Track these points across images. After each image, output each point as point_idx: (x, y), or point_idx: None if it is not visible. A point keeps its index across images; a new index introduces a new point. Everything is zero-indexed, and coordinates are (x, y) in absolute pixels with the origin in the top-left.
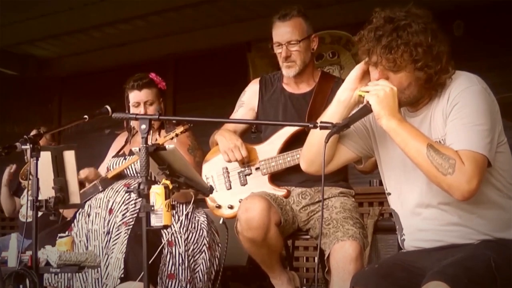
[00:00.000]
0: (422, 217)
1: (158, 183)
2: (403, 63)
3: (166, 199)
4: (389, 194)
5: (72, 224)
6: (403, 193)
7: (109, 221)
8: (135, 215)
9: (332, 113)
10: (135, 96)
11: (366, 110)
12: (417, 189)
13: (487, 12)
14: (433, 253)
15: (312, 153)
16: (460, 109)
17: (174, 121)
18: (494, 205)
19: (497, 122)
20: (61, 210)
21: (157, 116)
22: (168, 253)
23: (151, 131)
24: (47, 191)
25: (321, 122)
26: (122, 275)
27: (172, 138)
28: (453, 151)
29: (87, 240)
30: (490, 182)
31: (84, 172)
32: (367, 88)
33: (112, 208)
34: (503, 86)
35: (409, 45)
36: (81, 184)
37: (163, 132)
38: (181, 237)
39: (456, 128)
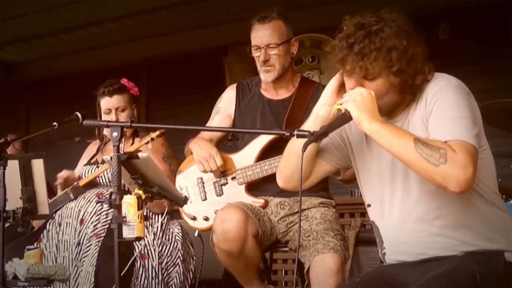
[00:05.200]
0: (404, 229)
1: (131, 193)
2: (376, 68)
3: (138, 209)
4: (369, 205)
5: (41, 235)
6: (383, 205)
7: (80, 231)
8: (107, 226)
9: (310, 128)
10: (106, 103)
11: (345, 118)
12: (398, 200)
13: (475, 15)
14: (417, 266)
15: (290, 169)
16: (441, 105)
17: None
18: (478, 214)
19: (479, 123)
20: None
21: (129, 123)
22: (141, 266)
23: (124, 139)
24: (14, 201)
25: (297, 130)
26: None
27: (147, 143)
28: (441, 142)
29: (57, 251)
30: (473, 189)
31: (63, 175)
32: (344, 99)
33: (84, 218)
34: (492, 92)
35: (381, 50)
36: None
37: (137, 140)
38: (154, 249)
39: (440, 122)
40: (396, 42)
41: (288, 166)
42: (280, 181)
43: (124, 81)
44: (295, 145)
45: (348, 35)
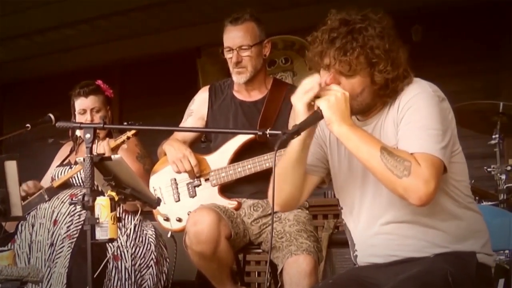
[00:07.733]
0: (375, 232)
1: (104, 194)
2: (358, 66)
3: (112, 211)
4: (342, 208)
5: (15, 236)
6: (354, 207)
7: (53, 232)
8: (80, 227)
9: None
10: (81, 103)
11: (317, 116)
12: (368, 203)
13: (447, 17)
14: (389, 268)
15: (285, 194)
16: (412, 114)
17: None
18: (450, 216)
19: (451, 129)
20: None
21: (101, 125)
22: (114, 268)
23: (97, 140)
24: None
25: (269, 130)
26: None
27: (123, 142)
28: (407, 153)
29: (30, 252)
30: (445, 192)
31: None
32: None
33: (57, 219)
34: (466, 94)
35: (365, 48)
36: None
37: (111, 141)
38: (127, 251)
39: (409, 132)
40: (379, 42)
41: (283, 191)
42: (278, 208)
43: (99, 82)
44: (282, 173)
45: (331, 29)
